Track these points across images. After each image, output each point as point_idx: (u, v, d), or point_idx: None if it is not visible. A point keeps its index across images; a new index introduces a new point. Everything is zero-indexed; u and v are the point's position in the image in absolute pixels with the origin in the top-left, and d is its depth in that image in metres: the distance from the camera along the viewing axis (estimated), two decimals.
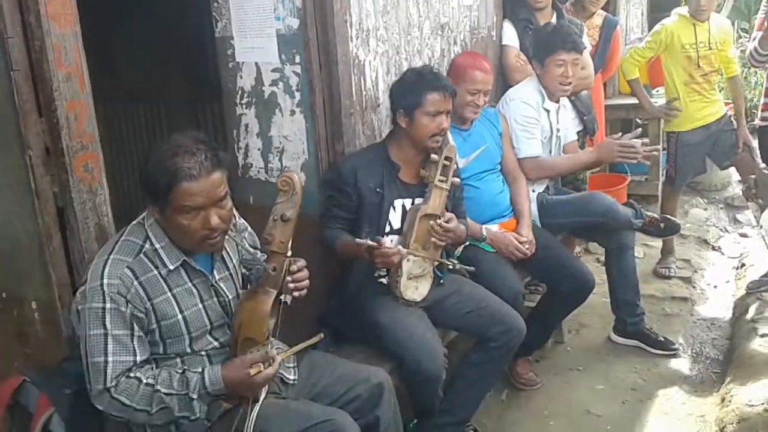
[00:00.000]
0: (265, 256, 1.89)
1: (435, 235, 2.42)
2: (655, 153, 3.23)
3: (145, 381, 1.68)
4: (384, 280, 2.51)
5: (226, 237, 1.91)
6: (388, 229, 2.48)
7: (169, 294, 1.77)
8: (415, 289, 2.47)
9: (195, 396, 1.70)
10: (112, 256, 1.71)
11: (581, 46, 3.11)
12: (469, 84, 2.82)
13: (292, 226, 1.84)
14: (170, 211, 1.70)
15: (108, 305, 1.67)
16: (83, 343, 1.69)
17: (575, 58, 3.08)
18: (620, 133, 3.20)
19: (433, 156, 2.46)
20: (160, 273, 1.75)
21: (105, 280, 1.67)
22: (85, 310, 1.68)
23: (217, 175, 1.72)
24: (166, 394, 1.68)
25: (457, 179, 2.53)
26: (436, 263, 2.52)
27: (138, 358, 1.70)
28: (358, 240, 2.28)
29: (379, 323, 2.39)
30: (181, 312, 1.79)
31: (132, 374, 1.69)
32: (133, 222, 1.81)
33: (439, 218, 2.43)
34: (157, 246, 1.76)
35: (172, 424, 1.78)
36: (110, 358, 1.66)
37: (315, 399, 1.99)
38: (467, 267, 2.56)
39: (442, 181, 2.45)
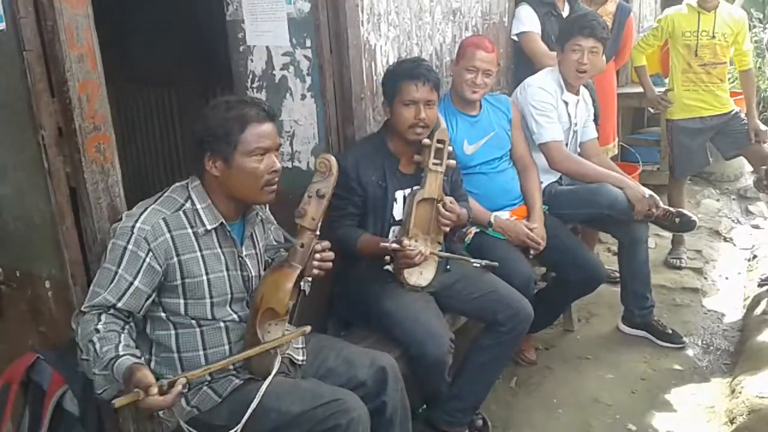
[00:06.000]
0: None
1: (440, 218, 2.42)
2: None
3: (97, 326, 1.68)
4: (389, 267, 2.51)
5: (259, 218, 2.00)
6: (391, 221, 2.49)
7: (198, 254, 1.82)
8: (420, 275, 2.47)
9: (96, 370, 1.65)
10: (152, 206, 1.80)
11: (600, 35, 3.06)
12: (467, 61, 2.80)
13: (324, 203, 1.94)
14: (238, 157, 1.80)
15: (130, 246, 1.73)
16: (99, 270, 1.76)
17: (593, 45, 3.03)
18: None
19: (425, 140, 2.45)
20: (194, 232, 1.82)
21: (138, 224, 1.75)
22: (110, 244, 1.76)
23: (273, 124, 1.87)
24: (94, 349, 1.65)
25: (452, 162, 2.52)
26: (440, 251, 2.50)
27: (118, 304, 1.72)
28: (382, 243, 2.31)
29: (383, 310, 2.40)
30: (207, 274, 1.83)
31: (101, 315, 1.70)
32: (176, 184, 1.89)
33: (439, 202, 2.43)
34: (198, 206, 1.84)
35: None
36: (105, 292, 1.72)
37: (321, 380, 2.00)
38: (491, 263, 2.54)
39: (436, 164, 2.45)
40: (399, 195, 2.49)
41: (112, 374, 1.62)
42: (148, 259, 1.74)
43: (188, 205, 1.83)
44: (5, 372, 1.87)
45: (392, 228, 2.49)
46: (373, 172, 2.43)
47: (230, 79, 2.85)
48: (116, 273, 1.73)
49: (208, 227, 1.83)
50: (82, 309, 1.72)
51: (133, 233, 1.74)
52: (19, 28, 1.69)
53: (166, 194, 1.86)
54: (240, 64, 2.77)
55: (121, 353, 1.65)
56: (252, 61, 2.73)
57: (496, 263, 2.55)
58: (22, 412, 1.84)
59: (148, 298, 1.78)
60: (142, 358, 1.70)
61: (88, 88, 1.77)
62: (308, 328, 1.91)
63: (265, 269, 2.03)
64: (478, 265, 2.52)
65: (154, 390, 1.53)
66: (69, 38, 1.72)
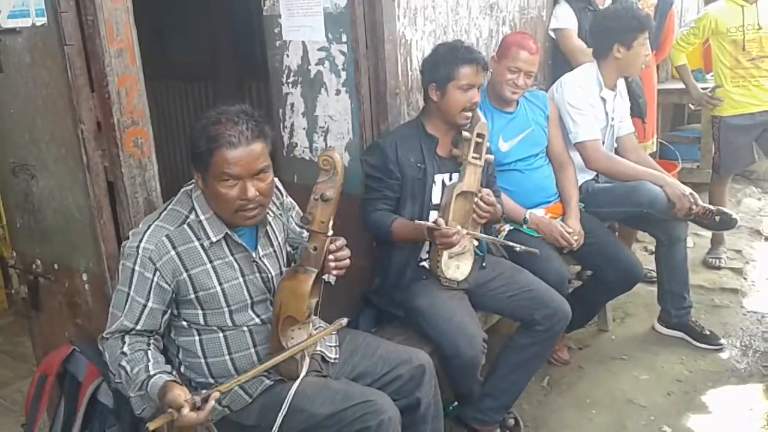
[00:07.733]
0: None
1: (478, 211, 2.39)
2: None
3: (123, 349, 1.71)
4: (425, 264, 2.49)
5: (272, 215, 1.94)
6: (431, 205, 2.46)
7: (208, 266, 1.79)
8: (457, 268, 2.45)
9: (131, 393, 1.68)
10: (156, 223, 1.76)
11: (650, 25, 3.09)
12: (510, 61, 2.75)
13: (332, 206, 1.82)
14: (210, 178, 1.73)
15: (137, 268, 1.72)
16: (114, 292, 1.76)
17: (646, 36, 3.04)
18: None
19: (465, 134, 2.42)
20: (202, 245, 1.78)
21: (142, 244, 1.73)
22: (120, 265, 1.75)
23: (258, 145, 1.73)
24: (125, 372, 1.69)
25: (490, 156, 2.49)
26: (476, 243, 2.49)
27: (137, 327, 1.73)
28: (417, 221, 2.28)
29: (418, 307, 2.39)
30: (220, 284, 1.81)
31: (124, 338, 1.73)
32: (183, 189, 1.84)
33: (477, 195, 2.40)
34: (202, 218, 1.79)
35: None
36: (122, 317, 1.72)
37: (356, 379, 1.99)
38: (531, 249, 2.52)
39: (475, 158, 2.41)
40: (438, 179, 2.47)
41: (148, 394, 1.65)
42: (156, 279, 1.73)
43: (192, 216, 1.79)
44: (42, 364, 1.90)
45: (431, 212, 2.45)
46: (411, 154, 2.42)
47: (266, 74, 2.86)
48: (128, 295, 1.73)
49: (213, 239, 1.79)
50: (104, 335, 1.74)
51: (138, 254, 1.72)
52: (60, 23, 1.71)
53: (170, 206, 1.81)
54: (276, 59, 2.77)
55: (152, 372, 1.66)
56: (288, 56, 2.73)
57: (537, 250, 2.52)
58: (58, 402, 1.87)
59: (164, 314, 1.78)
60: (173, 366, 1.74)
61: (126, 83, 1.78)
62: (344, 321, 1.85)
63: (288, 263, 2.01)
64: (519, 249, 2.50)
65: (186, 410, 1.54)
66: (109, 33, 1.73)
